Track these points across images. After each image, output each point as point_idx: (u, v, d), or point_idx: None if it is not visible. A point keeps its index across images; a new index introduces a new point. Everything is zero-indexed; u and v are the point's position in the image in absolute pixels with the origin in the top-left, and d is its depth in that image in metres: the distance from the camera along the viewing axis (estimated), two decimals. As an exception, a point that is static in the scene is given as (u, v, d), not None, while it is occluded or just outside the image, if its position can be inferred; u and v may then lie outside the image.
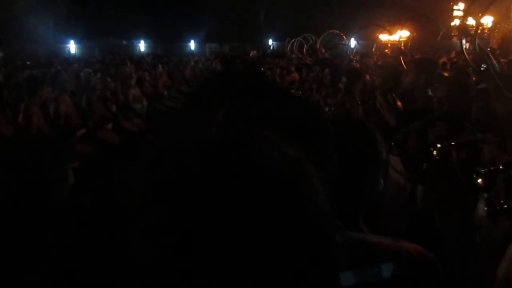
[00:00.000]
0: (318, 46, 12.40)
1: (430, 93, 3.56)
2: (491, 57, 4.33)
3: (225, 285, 0.53)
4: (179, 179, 0.55)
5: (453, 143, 2.61)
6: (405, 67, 4.87)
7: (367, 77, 5.15)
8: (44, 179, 1.75)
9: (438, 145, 2.65)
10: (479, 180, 2.29)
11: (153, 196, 0.56)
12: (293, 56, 13.05)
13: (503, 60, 5.91)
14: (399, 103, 3.44)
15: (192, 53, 23.21)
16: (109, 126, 5.13)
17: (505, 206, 2.03)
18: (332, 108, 4.58)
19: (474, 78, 4.71)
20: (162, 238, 0.53)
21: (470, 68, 4.79)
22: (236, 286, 0.52)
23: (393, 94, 3.47)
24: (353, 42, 13.11)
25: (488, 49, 6.07)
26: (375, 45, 10.93)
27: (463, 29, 7.28)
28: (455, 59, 8.12)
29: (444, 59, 8.28)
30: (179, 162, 0.57)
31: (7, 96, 4.81)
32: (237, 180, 0.54)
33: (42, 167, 1.77)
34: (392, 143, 3.06)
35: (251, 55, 16.20)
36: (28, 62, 11.95)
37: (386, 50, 12.04)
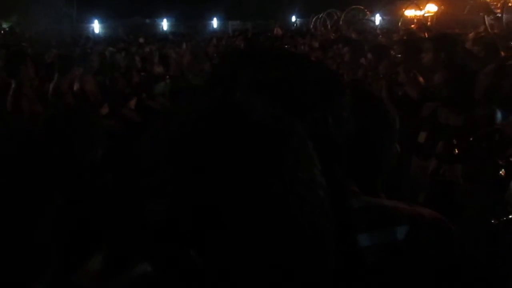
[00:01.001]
0: (341, 22, 12.24)
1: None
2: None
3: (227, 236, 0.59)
4: (179, 139, 0.62)
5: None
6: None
7: (392, 53, 5.09)
8: (82, 143, 1.90)
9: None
10: (501, 172, 2.29)
11: (160, 157, 0.63)
12: (318, 33, 12.89)
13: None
14: (420, 79, 3.40)
15: (214, 31, 23.15)
16: (132, 104, 5.17)
17: None
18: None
19: (502, 54, 4.60)
20: (171, 195, 0.60)
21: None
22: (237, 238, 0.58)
23: (415, 70, 3.44)
24: (378, 18, 12.88)
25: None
26: (401, 20, 10.72)
27: (485, 6, 7.07)
28: (483, 34, 7.91)
29: (472, 35, 8.08)
30: (178, 124, 0.64)
31: (36, 75, 4.92)
32: (230, 135, 0.61)
33: (81, 133, 1.92)
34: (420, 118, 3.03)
35: (275, 32, 16.03)
36: (54, 43, 12.11)
37: (412, 26, 11.79)
